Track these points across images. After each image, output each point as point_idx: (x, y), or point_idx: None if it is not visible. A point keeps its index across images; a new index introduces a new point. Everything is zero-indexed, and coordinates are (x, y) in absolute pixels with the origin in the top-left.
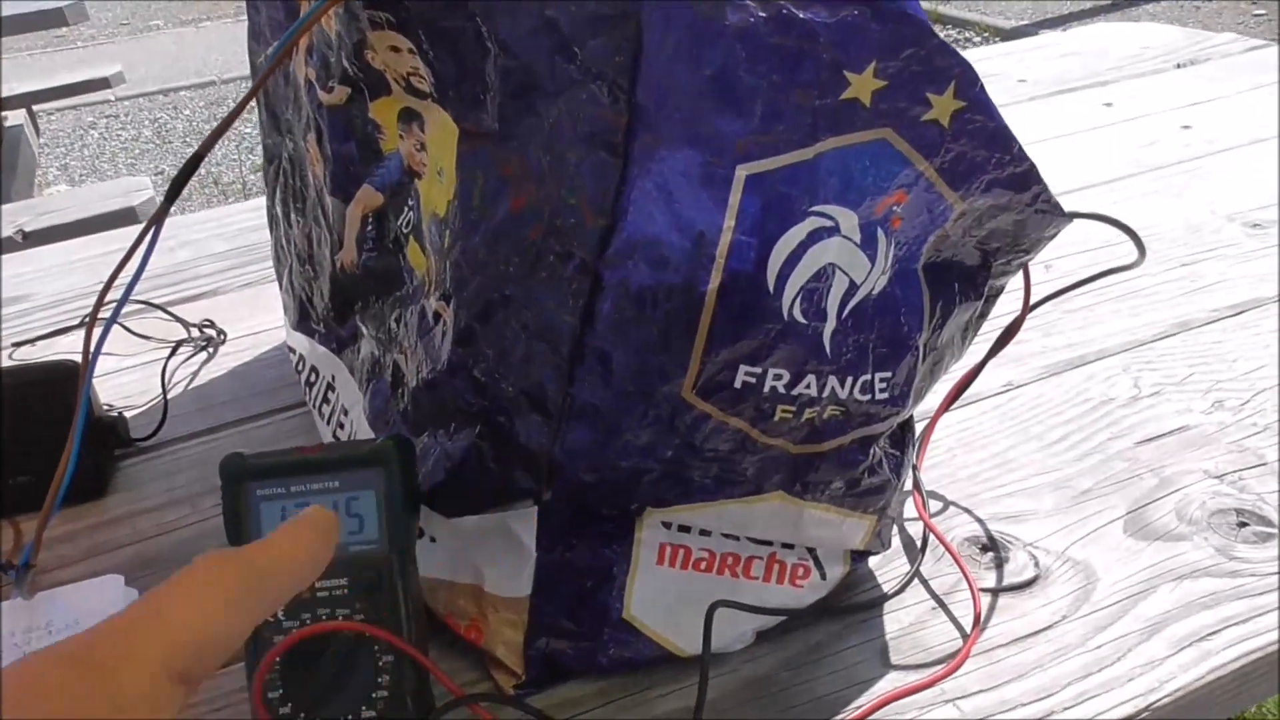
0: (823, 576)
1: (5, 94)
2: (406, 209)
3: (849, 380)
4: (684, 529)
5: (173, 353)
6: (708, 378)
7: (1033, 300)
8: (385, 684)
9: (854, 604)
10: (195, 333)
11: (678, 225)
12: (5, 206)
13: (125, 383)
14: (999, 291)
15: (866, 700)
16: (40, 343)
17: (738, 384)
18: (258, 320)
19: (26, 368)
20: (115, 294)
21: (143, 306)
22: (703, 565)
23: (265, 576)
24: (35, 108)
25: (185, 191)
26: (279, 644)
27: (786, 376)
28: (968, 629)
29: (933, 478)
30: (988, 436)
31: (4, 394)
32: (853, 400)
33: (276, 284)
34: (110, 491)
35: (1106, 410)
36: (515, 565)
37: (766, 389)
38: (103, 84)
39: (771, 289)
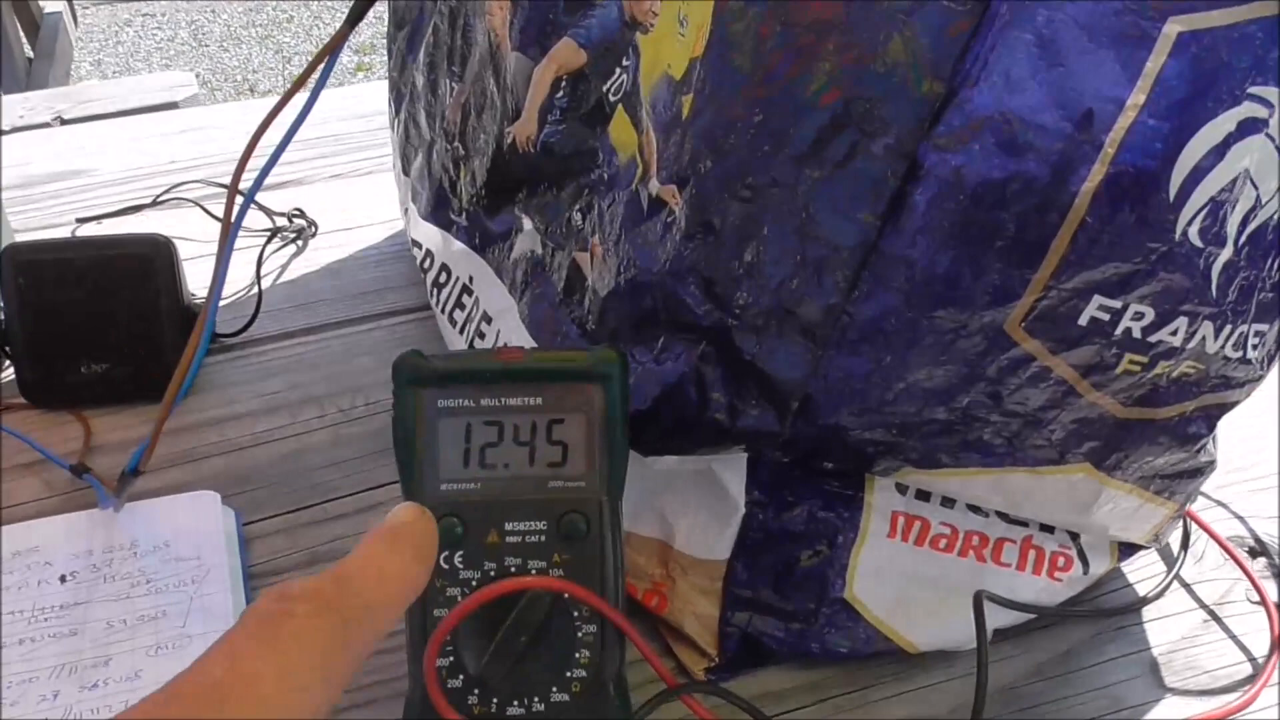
0: (1085, 570)
1: None
2: (619, 71)
3: (1225, 329)
4: (922, 496)
5: (268, 242)
6: (1048, 307)
7: None
8: (584, 661)
9: (1108, 607)
10: (285, 223)
11: (1057, 97)
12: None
13: (204, 271)
14: None
15: None
16: (108, 220)
17: (1084, 320)
18: (350, 215)
19: (109, 240)
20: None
21: (221, 190)
22: (942, 543)
23: (359, 626)
24: None
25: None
26: (460, 604)
27: (1150, 316)
28: (1255, 651)
29: None
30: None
31: (81, 267)
32: (1219, 357)
33: (368, 176)
34: (194, 392)
35: None
36: (717, 520)
37: (1119, 330)
38: None
39: (1172, 196)
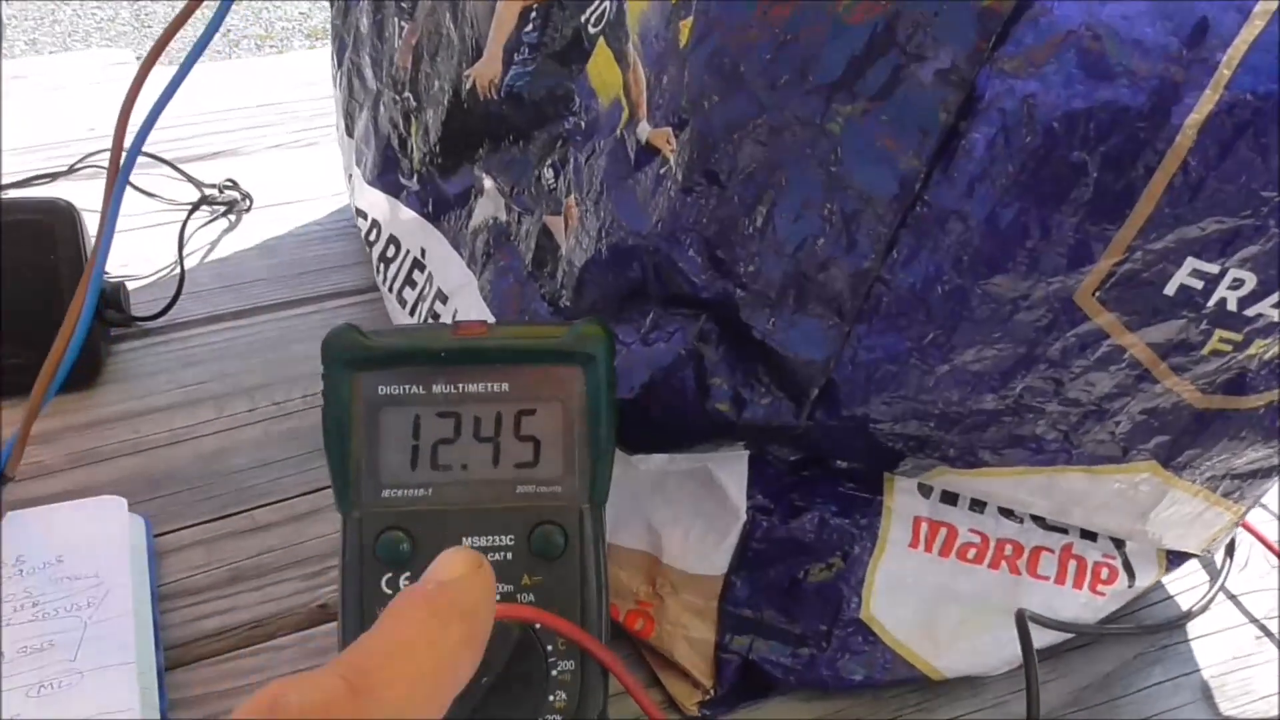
0: (1130, 582)
1: None
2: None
3: None
4: (949, 498)
5: (191, 213)
6: (1129, 273)
7: None
8: (560, 705)
9: (1150, 623)
10: (215, 194)
11: (1163, 6)
12: None
13: (123, 247)
14: None
15: None
16: (12, 191)
17: (1171, 288)
18: (291, 188)
19: (3, 204)
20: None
21: (147, 160)
22: (971, 554)
23: None
24: None
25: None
26: None
27: (1250, 284)
28: None
29: None
30: None
31: None
32: None
33: (314, 148)
34: (102, 381)
35: None
36: (713, 529)
37: (1212, 301)
38: None
39: None
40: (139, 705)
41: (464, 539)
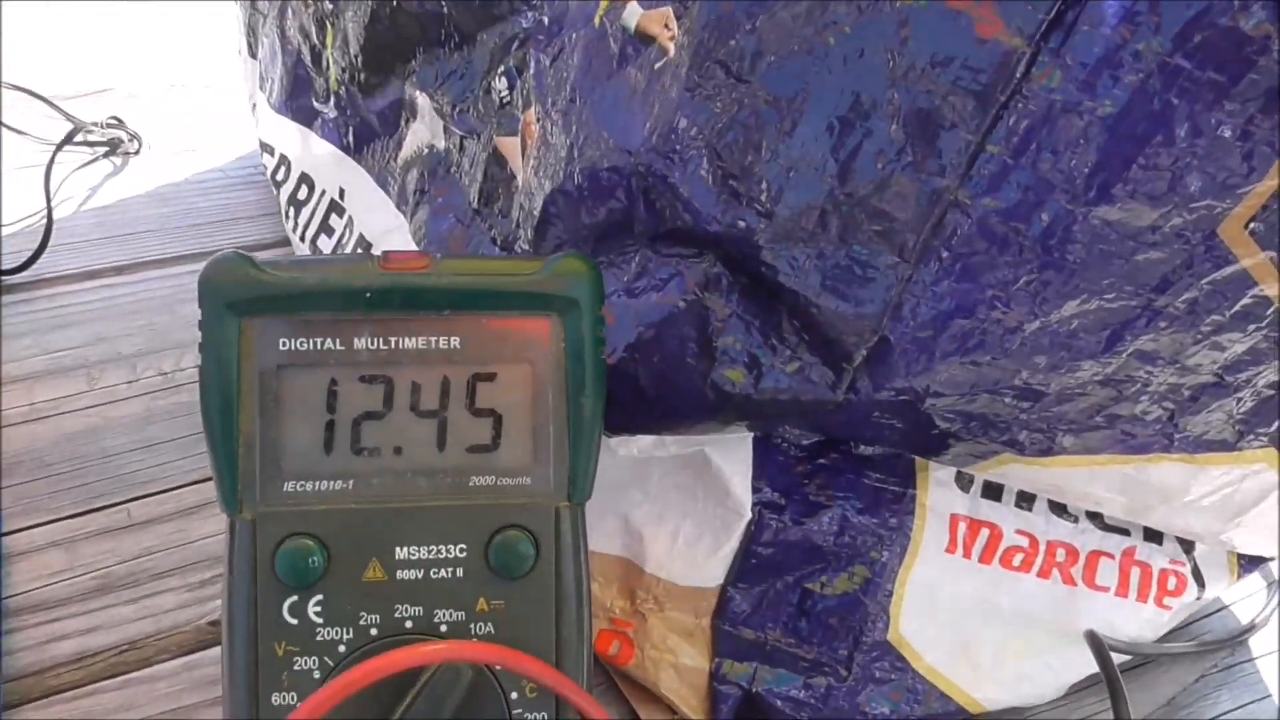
0: (1200, 593)
1: None
2: None
3: None
4: (991, 492)
5: (58, 150)
6: None
7: None
8: None
9: (1209, 639)
10: (95, 132)
11: None
12: None
13: None
14: None
15: None
16: None
17: None
18: (191, 132)
19: None
20: None
21: (18, 94)
22: (1018, 560)
23: None
24: None
25: None
26: (319, 692)
27: None
28: None
29: None
30: None
31: None
32: None
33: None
34: None
35: None
36: (709, 529)
37: None
38: None
39: None
40: None
41: (397, 549)
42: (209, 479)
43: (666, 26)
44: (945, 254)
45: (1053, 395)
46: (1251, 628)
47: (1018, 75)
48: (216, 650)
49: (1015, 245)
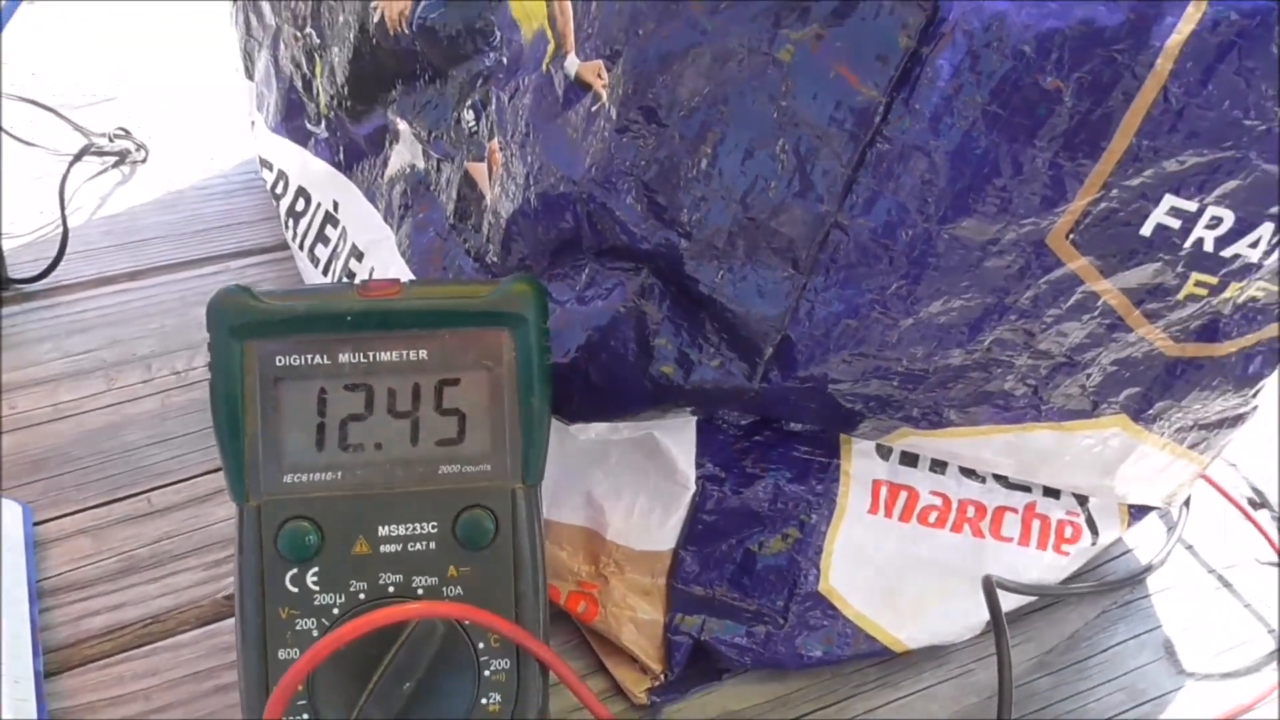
0: (1094, 539)
1: None
2: None
3: None
4: (909, 460)
5: (74, 162)
6: (1105, 213)
7: None
8: (494, 708)
9: (1110, 580)
10: (105, 142)
11: None
12: None
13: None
14: None
15: None
16: None
17: (1148, 228)
18: (195, 139)
19: None
20: None
21: (24, 106)
22: (933, 517)
23: None
24: None
25: None
26: (316, 644)
27: (1229, 222)
28: (1272, 622)
29: None
30: None
31: None
32: None
33: (223, 96)
34: None
35: None
36: (660, 501)
37: (1189, 241)
38: None
39: None
40: (10, 717)
41: (379, 528)
42: (220, 469)
43: (599, 76)
44: (831, 266)
45: (933, 378)
46: (1149, 569)
47: (877, 120)
48: (231, 620)
49: (886, 257)
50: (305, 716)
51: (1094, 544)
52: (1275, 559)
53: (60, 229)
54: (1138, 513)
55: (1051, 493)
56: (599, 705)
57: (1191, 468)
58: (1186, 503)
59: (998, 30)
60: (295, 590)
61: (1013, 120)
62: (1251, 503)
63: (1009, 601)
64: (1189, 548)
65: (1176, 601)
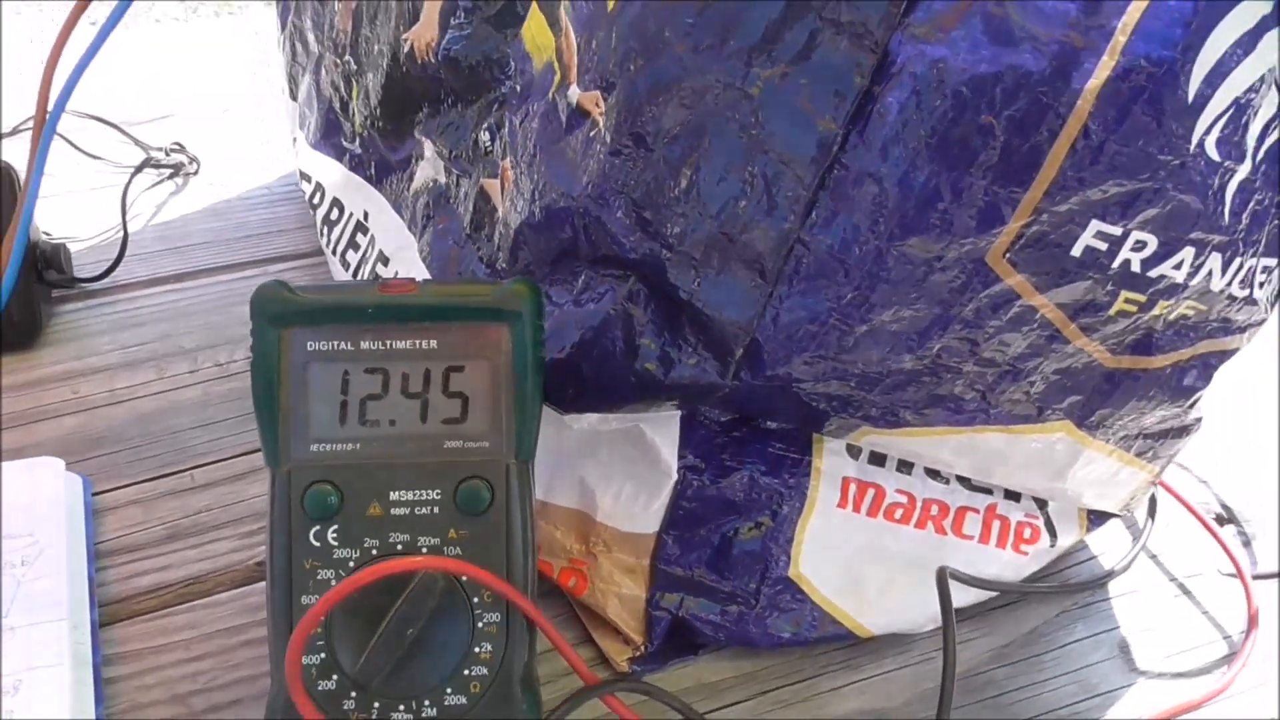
0: (1052, 542)
1: None
2: None
3: (1234, 263)
4: (877, 460)
5: (135, 175)
6: (1037, 235)
7: None
8: (485, 657)
9: (1073, 582)
10: (161, 156)
11: None
12: None
13: (67, 209)
14: None
15: None
16: None
17: (1078, 249)
18: (239, 152)
19: None
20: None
21: (89, 122)
22: (898, 514)
23: None
24: None
25: None
26: (334, 588)
27: (1152, 246)
28: (1229, 628)
29: None
30: None
31: None
32: (1223, 296)
33: (263, 113)
34: (43, 342)
35: None
36: (645, 488)
37: (1117, 262)
38: None
39: (1191, 97)
40: (69, 660)
41: (391, 493)
42: (255, 451)
43: (597, 105)
44: (794, 277)
45: (888, 380)
46: (1111, 574)
47: (835, 149)
48: (262, 584)
49: (842, 270)
50: (323, 655)
51: (1052, 546)
52: (1235, 571)
53: (120, 234)
54: (1096, 519)
55: (1012, 495)
56: (578, 659)
57: (1141, 475)
58: (1152, 513)
59: (939, 73)
60: (317, 544)
61: (952, 151)
62: (1219, 519)
63: (971, 596)
64: (1153, 557)
65: (1136, 606)
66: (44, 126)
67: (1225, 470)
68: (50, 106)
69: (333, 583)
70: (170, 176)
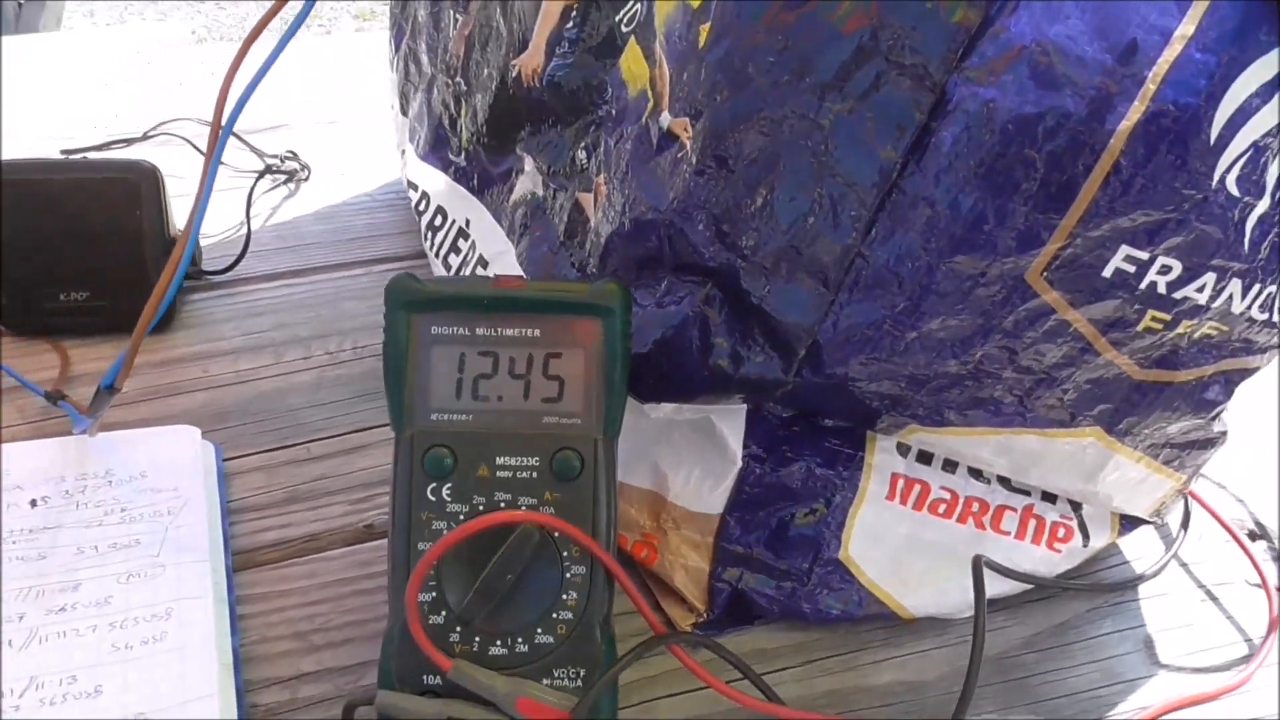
0: (1085, 542)
1: None
2: (633, 0)
3: (1254, 289)
4: (924, 459)
5: (258, 180)
6: (1071, 256)
7: None
8: (571, 603)
9: (1105, 582)
10: (278, 163)
11: (1100, 26)
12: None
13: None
14: None
15: (1137, 707)
16: (94, 154)
17: (1108, 271)
18: (344, 160)
19: (93, 164)
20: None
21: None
22: (941, 509)
23: None
24: None
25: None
26: (447, 535)
27: (1177, 270)
28: (1251, 633)
29: None
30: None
31: (63, 190)
32: (1244, 318)
33: (366, 124)
34: (176, 326)
35: None
36: (712, 473)
37: (1144, 284)
38: None
39: (1213, 139)
40: (212, 594)
41: (497, 459)
42: (363, 429)
43: (685, 130)
44: (853, 287)
45: (934, 383)
46: (1142, 577)
47: (894, 176)
48: (371, 543)
49: (897, 282)
50: (434, 594)
51: (1085, 546)
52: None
53: (243, 232)
54: (1128, 524)
55: (1049, 497)
56: (647, 607)
57: (1169, 483)
58: (1185, 525)
59: (989, 111)
60: (433, 499)
61: (997, 180)
62: (1252, 534)
63: (1007, 587)
64: (1184, 565)
65: (1164, 607)
66: (219, 136)
67: (1262, 489)
68: (224, 119)
69: (445, 532)
70: (285, 182)
